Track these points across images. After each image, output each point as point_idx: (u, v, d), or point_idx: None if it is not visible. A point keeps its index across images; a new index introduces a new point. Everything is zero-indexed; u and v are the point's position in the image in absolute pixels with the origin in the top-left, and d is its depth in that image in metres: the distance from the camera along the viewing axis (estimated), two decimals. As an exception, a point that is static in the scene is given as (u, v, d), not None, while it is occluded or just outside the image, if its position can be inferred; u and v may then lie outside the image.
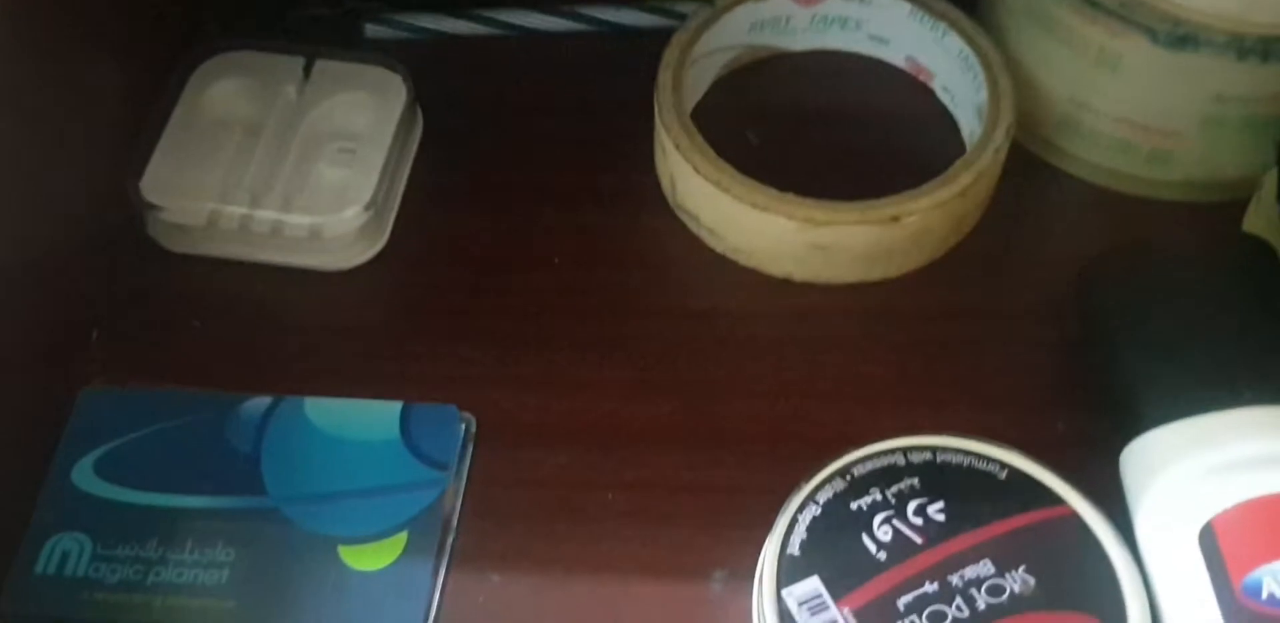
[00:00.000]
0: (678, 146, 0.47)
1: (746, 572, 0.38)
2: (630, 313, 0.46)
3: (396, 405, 0.43)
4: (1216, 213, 0.49)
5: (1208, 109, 0.47)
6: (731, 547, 0.40)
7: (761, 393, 0.44)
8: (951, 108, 0.52)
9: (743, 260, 0.48)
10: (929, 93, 0.52)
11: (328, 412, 0.43)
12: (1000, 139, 0.47)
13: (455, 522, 0.41)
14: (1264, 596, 0.35)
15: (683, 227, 0.49)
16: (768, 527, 0.38)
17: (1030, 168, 0.51)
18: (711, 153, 0.47)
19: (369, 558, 0.40)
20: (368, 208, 0.45)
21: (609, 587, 0.40)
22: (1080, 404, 0.43)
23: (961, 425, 0.40)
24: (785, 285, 0.47)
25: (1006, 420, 0.42)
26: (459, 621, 0.39)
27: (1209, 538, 0.36)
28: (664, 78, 0.49)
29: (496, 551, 0.40)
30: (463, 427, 0.42)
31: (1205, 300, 0.42)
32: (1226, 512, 0.37)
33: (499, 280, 0.46)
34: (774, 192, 0.45)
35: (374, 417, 0.42)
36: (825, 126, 0.51)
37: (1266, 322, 0.41)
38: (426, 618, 0.39)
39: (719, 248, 0.48)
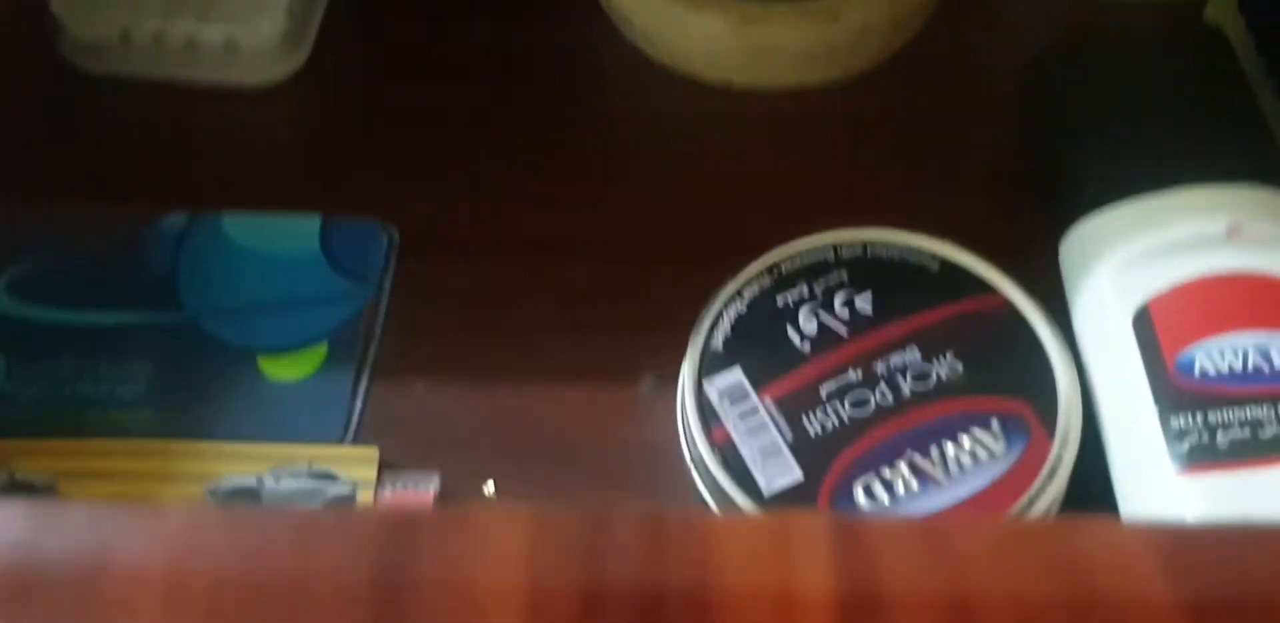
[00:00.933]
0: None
1: (676, 374, 0.37)
2: (562, 123, 0.45)
3: (316, 219, 0.42)
4: (1180, 9, 0.46)
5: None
6: (661, 351, 0.38)
7: (694, 201, 0.42)
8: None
9: (680, 67, 0.46)
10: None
11: (246, 227, 0.41)
12: (944, -67, 0.45)
13: (377, 333, 0.40)
14: (1196, 373, 0.34)
15: (619, 34, 0.47)
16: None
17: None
18: (639, -45, 0.45)
19: (288, 368, 0.39)
20: (287, 16, 0.43)
21: (536, 394, 0.39)
22: (1026, 205, 0.41)
23: (897, 218, 0.39)
24: (724, 93, 0.46)
25: (948, 221, 0.41)
26: (381, 429, 0.38)
27: (1144, 320, 0.35)
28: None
29: (420, 361, 0.39)
30: (385, 239, 0.41)
31: (1152, 88, 0.40)
32: (1162, 294, 0.35)
33: (425, 92, 0.45)
34: (706, -9, 0.43)
35: (294, 231, 0.41)
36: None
37: (1212, 109, 0.39)
38: (347, 427, 0.38)
39: (655, 55, 0.46)
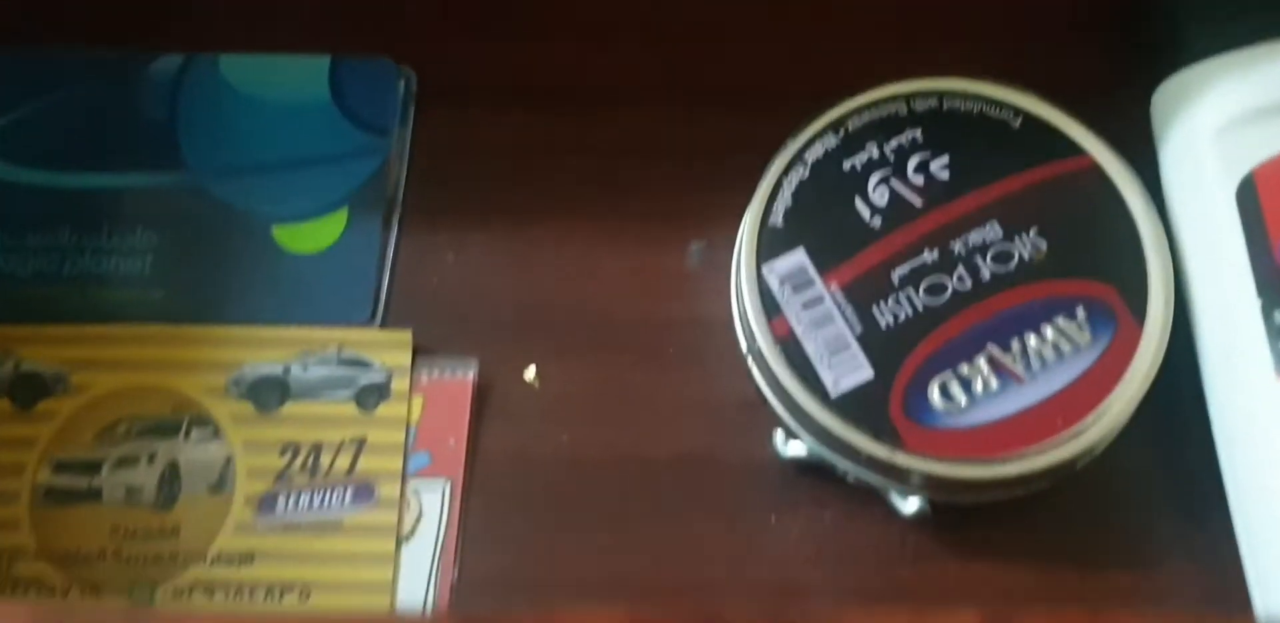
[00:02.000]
0: None
1: (726, 243, 0.34)
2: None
3: (324, 60, 0.37)
4: None
5: None
6: (710, 215, 0.35)
7: (747, 36, 0.38)
8: None
9: None
10: None
11: (246, 69, 0.37)
12: None
13: (400, 195, 0.36)
14: (1307, 259, 0.31)
15: None
16: (751, 191, 0.33)
17: None
18: None
19: (306, 239, 0.36)
20: None
21: (575, 262, 0.36)
22: (1110, 40, 0.37)
23: (974, 67, 0.35)
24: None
25: (1024, 58, 0.36)
26: (412, 307, 0.35)
27: (1248, 192, 0.32)
28: None
29: (448, 226, 0.36)
30: (402, 83, 0.37)
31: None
32: (1271, 161, 0.32)
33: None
34: None
35: (299, 74, 0.37)
36: None
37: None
38: (376, 304, 0.35)
39: None
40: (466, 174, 0.37)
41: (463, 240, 0.36)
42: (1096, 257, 0.32)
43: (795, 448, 0.33)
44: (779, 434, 0.33)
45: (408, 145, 0.37)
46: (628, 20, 0.38)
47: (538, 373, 0.35)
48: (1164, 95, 0.34)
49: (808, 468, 0.34)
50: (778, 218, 0.33)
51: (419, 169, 0.37)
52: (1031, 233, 0.33)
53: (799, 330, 0.32)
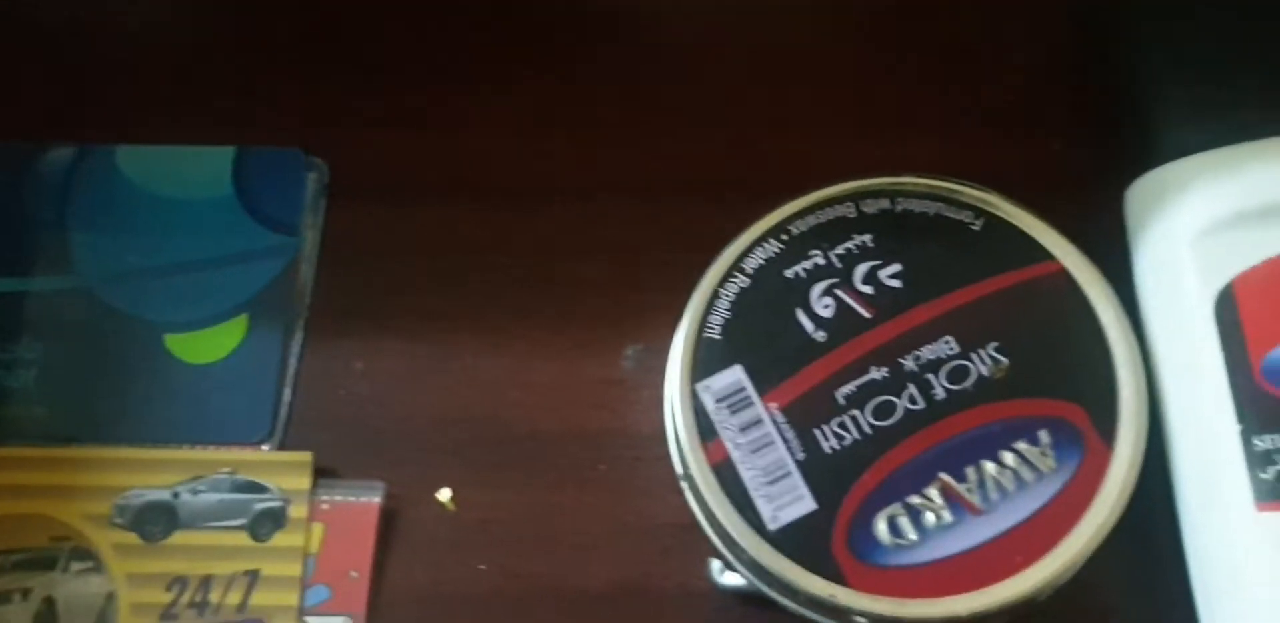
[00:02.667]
0: None
1: (663, 348, 0.31)
2: (528, 24, 0.37)
3: (229, 152, 0.35)
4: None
5: None
6: (647, 317, 0.33)
7: (687, 119, 0.35)
8: None
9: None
10: None
11: (144, 162, 0.35)
12: None
13: (307, 298, 0.33)
14: (1291, 378, 0.28)
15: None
16: (690, 292, 0.31)
17: None
18: None
19: (202, 348, 0.33)
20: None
21: (497, 370, 0.33)
22: (1083, 135, 0.34)
23: (934, 158, 0.32)
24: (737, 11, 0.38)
25: (993, 158, 0.34)
26: (314, 421, 0.32)
27: (1227, 303, 0.29)
28: None
29: (358, 332, 0.33)
30: (312, 177, 0.34)
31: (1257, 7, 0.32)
32: (1252, 270, 0.29)
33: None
34: None
35: (201, 167, 0.34)
36: None
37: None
38: (275, 420, 0.32)
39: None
40: (380, 275, 0.34)
41: (374, 347, 0.33)
42: (1062, 374, 0.29)
43: (733, 578, 0.30)
44: (715, 564, 0.31)
45: (317, 244, 0.34)
46: (558, 113, 0.35)
47: (453, 496, 0.32)
48: (1139, 195, 0.32)
49: (749, 598, 0.31)
50: (714, 331, 0.30)
51: (328, 269, 0.34)
52: (990, 348, 0.30)
53: (736, 456, 0.29)
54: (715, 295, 0.30)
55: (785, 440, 0.29)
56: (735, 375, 0.30)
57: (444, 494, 0.32)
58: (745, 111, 0.35)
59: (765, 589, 0.29)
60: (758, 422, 0.29)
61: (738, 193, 0.32)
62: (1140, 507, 0.29)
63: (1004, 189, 0.31)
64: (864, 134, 0.35)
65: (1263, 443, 0.28)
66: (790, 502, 0.29)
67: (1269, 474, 0.28)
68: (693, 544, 0.31)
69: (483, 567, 0.31)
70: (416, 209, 0.34)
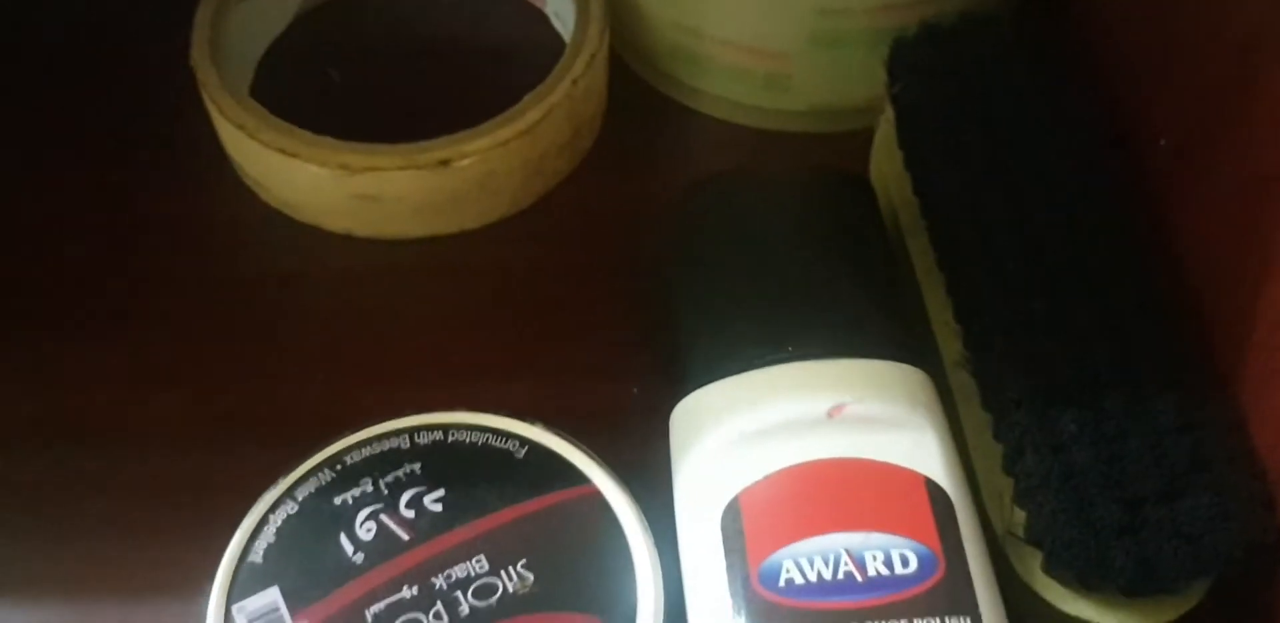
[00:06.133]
0: (204, 86, 0.40)
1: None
2: (162, 283, 0.40)
3: None
4: (845, 143, 0.44)
5: (814, 25, 0.41)
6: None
7: (284, 372, 0.38)
8: (564, 35, 0.46)
9: (299, 216, 0.42)
10: (543, 20, 0.47)
11: None
12: (580, 69, 0.41)
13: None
14: (781, 583, 0.30)
15: (239, 181, 0.43)
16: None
17: (649, 102, 0.46)
18: (243, 93, 0.41)
19: None
20: None
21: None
22: (654, 377, 0.38)
23: (514, 399, 0.35)
24: (346, 243, 0.42)
25: (566, 391, 0.37)
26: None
27: (732, 516, 0.31)
28: (202, 12, 0.42)
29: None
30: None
31: (780, 247, 0.36)
32: (755, 485, 0.31)
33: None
34: (308, 135, 0.39)
35: None
36: (427, 60, 0.45)
37: (829, 266, 0.35)
38: None
39: (272, 202, 0.42)
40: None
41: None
42: (586, 587, 0.31)
43: None
44: None
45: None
46: (173, 358, 0.38)
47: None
48: (676, 420, 0.34)
49: None
50: (257, 555, 0.32)
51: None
52: (519, 565, 0.31)
53: (261, 676, 0.30)
54: (264, 521, 0.32)
55: (310, 659, 0.30)
56: (271, 597, 0.31)
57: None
58: (346, 362, 0.38)
59: None
60: (285, 641, 0.30)
61: (324, 431, 0.34)
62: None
63: (560, 423, 0.34)
64: (441, 367, 0.38)
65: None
66: (306, 718, 0.29)
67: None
68: None
69: None
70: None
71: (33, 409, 0.37)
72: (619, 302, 0.39)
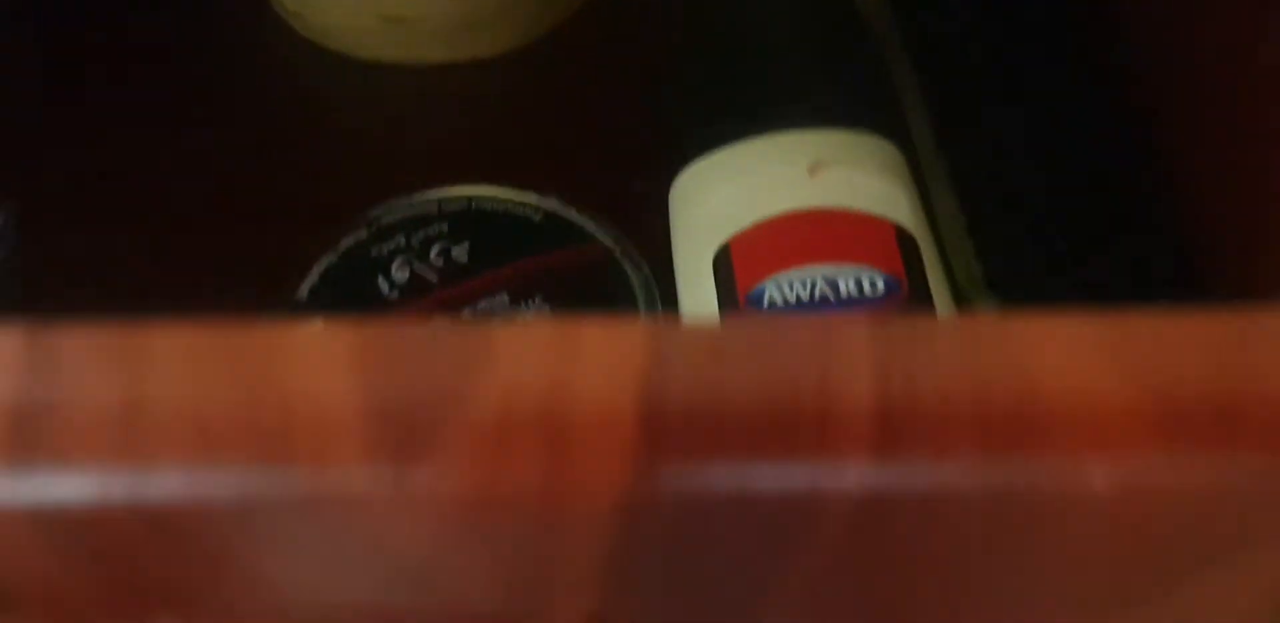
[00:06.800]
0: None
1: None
2: (201, 105, 0.44)
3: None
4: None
5: None
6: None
7: (328, 181, 0.42)
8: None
9: (331, 44, 0.46)
10: None
11: None
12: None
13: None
14: (765, 304, 0.34)
15: (272, 10, 0.47)
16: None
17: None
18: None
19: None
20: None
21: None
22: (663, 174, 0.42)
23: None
24: (373, 69, 0.46)
25: (586, 194, 0.41)
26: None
27: (724, 258, 0.35)
28: None
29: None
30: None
31: (765, 43, 0.40)
32: (744, 231, 0.36)
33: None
34: (337, -42, 0.43)
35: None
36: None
37: (812, 48, 0.39)
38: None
39: (306, 32, 0.46)
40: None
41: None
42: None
43: None
44: None
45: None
46: (224, 159, 0.42)
47: None
48: (675, 192, 0.38)
49: None
50: (303, 294, 0.36)
51: None
52: (537, 300, 0.36)
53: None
54: (308, 271, 0.36)
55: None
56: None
57: None
58: (379, 165, 0.42)
59: None
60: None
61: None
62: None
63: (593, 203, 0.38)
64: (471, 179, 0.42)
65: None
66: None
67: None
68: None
69: None
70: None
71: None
72: (632, 113, 0.44)
